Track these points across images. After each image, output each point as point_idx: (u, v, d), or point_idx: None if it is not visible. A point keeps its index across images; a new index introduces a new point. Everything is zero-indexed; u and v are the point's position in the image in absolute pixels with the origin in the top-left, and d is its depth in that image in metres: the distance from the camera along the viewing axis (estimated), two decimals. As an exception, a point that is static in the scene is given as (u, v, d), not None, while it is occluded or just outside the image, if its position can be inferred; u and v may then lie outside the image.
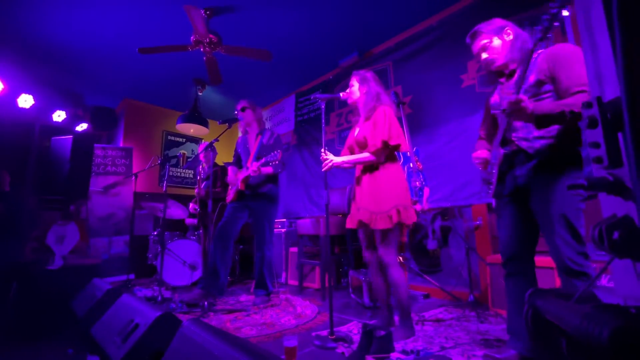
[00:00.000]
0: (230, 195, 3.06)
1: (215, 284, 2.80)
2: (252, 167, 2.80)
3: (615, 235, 0.40)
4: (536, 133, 1.35)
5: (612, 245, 0.40)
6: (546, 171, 1.34)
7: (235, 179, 3.01)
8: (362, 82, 2.08)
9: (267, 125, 5.56)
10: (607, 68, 0.45)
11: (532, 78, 1.36)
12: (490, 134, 1.67)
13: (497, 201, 1.57)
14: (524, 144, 1.39)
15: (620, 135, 0.42)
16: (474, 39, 1.56)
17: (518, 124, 1.40)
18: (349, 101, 2.15)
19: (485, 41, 1.52)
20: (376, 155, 1.95)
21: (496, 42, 1.50)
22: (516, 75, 1.45)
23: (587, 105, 0.45)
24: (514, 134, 1.42)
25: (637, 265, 0.40)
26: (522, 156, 1.40)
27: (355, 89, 2.10)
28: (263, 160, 2.71)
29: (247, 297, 3.15)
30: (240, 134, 3.57)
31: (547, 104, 1.24)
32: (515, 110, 1.22)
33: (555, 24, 1.11)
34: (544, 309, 0.38)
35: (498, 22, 1.52)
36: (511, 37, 1.48)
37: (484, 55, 1.53)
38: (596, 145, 0.43)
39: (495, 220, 1.63)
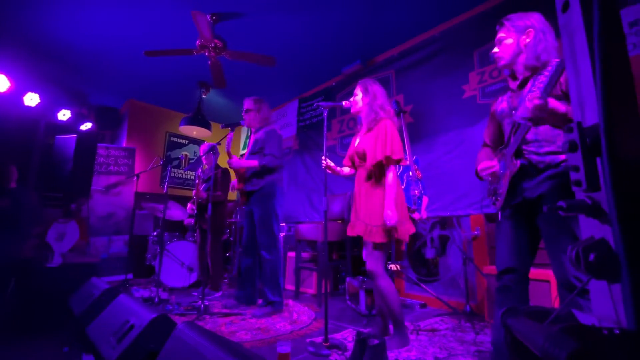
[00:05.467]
0: (240, 197, 3.00)
1: (243, 294, 2.90)
2: (232, 162, 2.73)
3: (591, 257, 0.41)
4: (547, 148, 1.33)
5: (587, 267, 0.41)
6: (554, 186, 1.30)
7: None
8: (365, 92, 2.06)
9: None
10: (588, 94, 0.47)
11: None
12: (495, 141, 1.63)
13: (502, 213, 1.52)
14: (534, 158, 1.36)
15: (598, 160, 0.44)
16: (500, 27, 1.48)
17: (529, 137, 1.37)
18: (352, 110, 2.14)
19: (502, 35, 1.46)
20: (376, 168, 1.96)
21: (509, 41, 1.43)
22: (529, 84, 1.39)
23: (568, 129, 0.47)
24: (524, 147, 1.38)
25: (612, 287, 0.41)
26: (533, 170, 1.37)
27: (358, 99, 2.09)
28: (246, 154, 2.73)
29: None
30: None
31: None
32: (545, 115, 1.13)
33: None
34: (515, 328, 0.39)
35: (531, 19, 1.41)
36: (528, 41, 1.39)
37: (495, 50, 1.49)
38: (576, 168, 0.45)
39: (494, 231, 1.59)
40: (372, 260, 1.92)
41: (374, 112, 2.01)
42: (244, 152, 6.08)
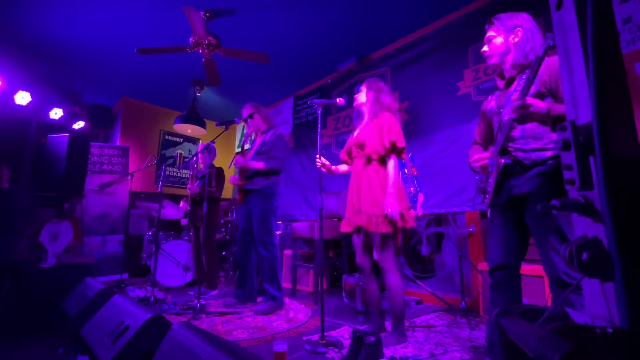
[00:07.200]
0: (237, 195, 3.04)
1: (242, 293, 2.91)
2: (239, 161, 2.79)
3: (584, 256, 0.41)
4: (533, 145, 1.33)
5: (581, 266, 0.41)
6: (542, 183, 1.32)
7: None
8: (370, 88, 2.15)
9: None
10: (581, 93, 0.47)
11: (532, 89, 1.32)
12: (485, 139, 1.66)
13: (491, 210, 1.56)
14: (520, 155, 1.37)
15: (591, 158, 0.44)
16: (489, 26, 1.52)
17: (516, 134, 1.38)
18: (355, 104, 2.22)
19: (492, 34, 1.49)
20: (377, 156, 2.00)
21: (499, 39, 1.47)
22: (515, 83, 1.42)
23: (562, 128, 0.46)
24: (510, 144, 1.40)
25: (604, 286, 0.41)
26: (519, 167, 1.38)
27: (363, 94, 2.18)
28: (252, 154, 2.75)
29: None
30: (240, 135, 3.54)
31: (563, 107, 1.20)
32: (526, 114, 1.18)
33: None
34: (508, 329, 0.39)
35: (520, 19, 1.45)
36: (516, 40, 1.43)
37: (484, 48, 1.52)
38: (569, 167, 0.45)
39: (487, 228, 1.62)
40: (381, 255, 1.95)
41: (379, 103, 2.08)
42: (238, 150, 6.05)
